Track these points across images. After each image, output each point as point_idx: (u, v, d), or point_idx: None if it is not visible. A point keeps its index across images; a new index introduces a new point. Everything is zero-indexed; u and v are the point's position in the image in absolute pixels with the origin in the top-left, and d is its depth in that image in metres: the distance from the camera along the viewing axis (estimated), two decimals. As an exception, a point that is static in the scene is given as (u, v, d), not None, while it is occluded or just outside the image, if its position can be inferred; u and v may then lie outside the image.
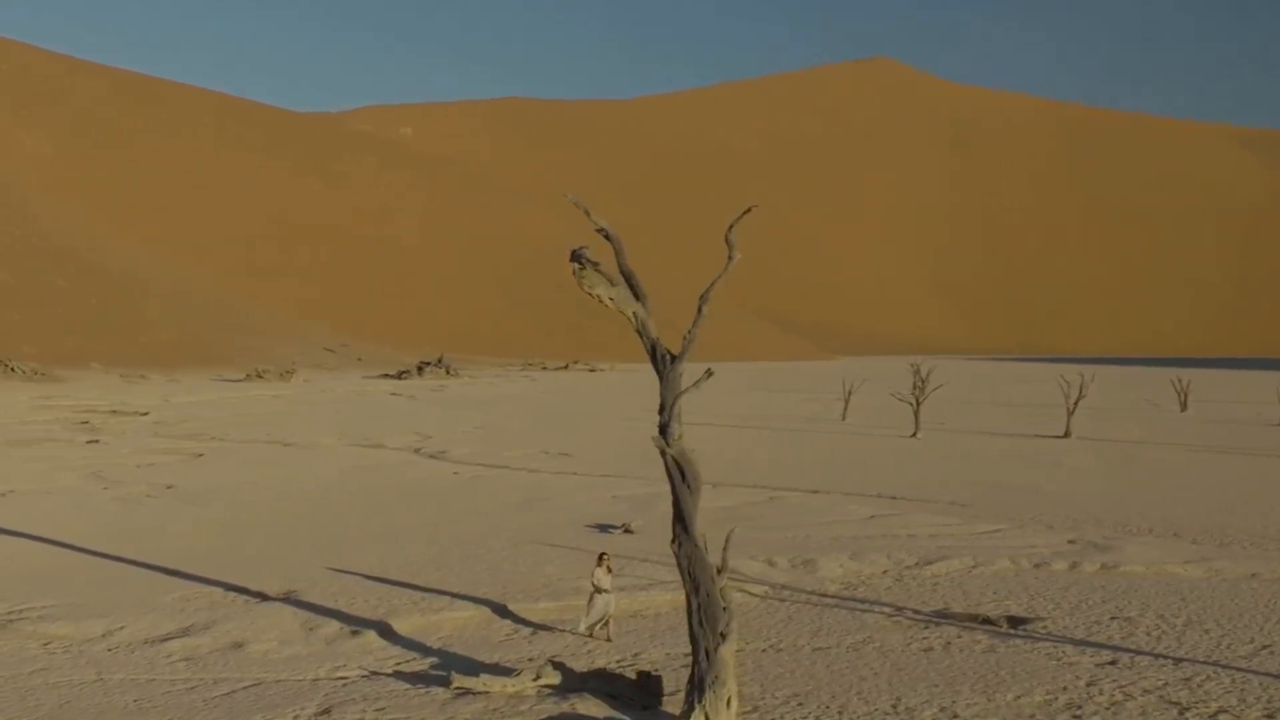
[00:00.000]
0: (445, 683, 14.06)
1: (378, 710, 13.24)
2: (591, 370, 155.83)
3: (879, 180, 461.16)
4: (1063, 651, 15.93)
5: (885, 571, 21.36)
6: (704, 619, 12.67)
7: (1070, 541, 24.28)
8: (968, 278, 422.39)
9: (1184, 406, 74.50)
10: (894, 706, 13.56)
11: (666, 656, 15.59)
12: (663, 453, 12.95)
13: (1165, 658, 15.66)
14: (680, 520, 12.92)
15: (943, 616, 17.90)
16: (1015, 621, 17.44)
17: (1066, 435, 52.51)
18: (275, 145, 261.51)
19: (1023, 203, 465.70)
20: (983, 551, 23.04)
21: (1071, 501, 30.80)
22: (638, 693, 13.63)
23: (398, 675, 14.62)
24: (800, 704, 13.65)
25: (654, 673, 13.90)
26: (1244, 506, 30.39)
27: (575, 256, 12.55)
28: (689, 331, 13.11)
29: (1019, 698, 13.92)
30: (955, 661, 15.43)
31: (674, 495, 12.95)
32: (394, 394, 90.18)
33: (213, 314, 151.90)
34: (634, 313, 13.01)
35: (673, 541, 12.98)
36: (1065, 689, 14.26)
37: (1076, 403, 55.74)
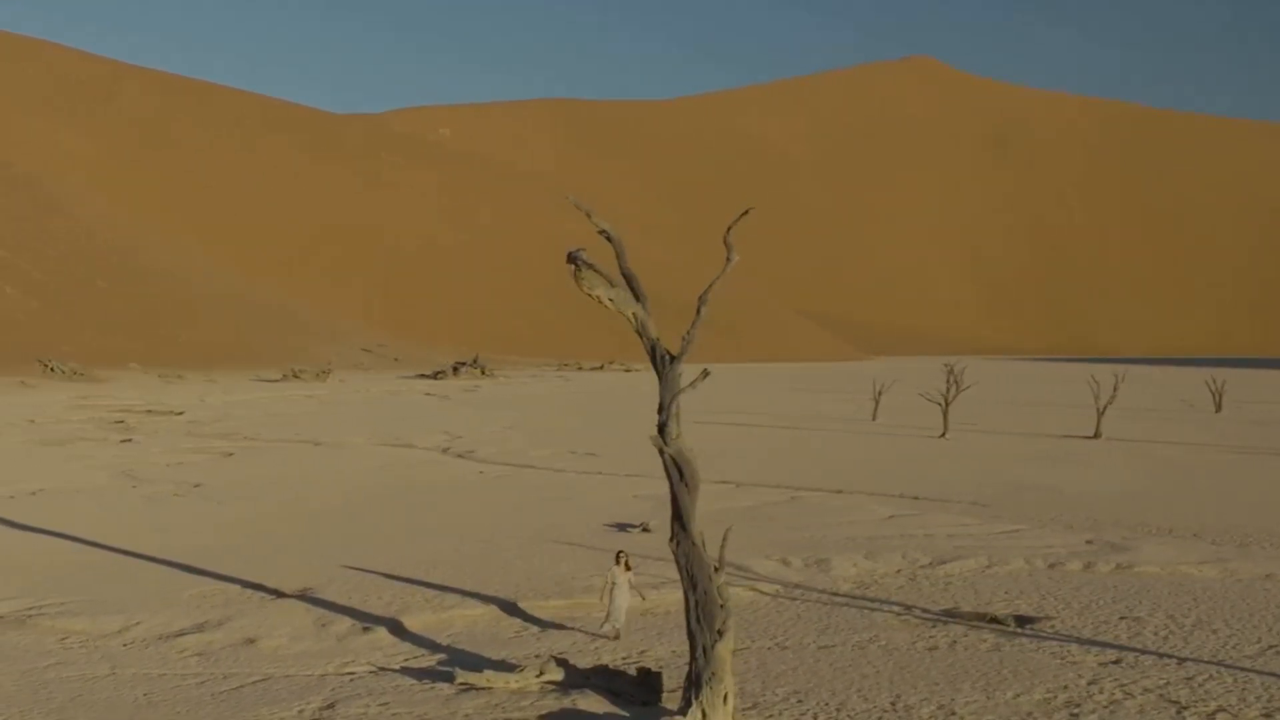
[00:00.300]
0: (450, 678, 14.25)
1: (381, 705, 13.45)
2: (626, 370, 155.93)
3: (921, 180, 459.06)
4: (1068, 651, 15.99)
5: (899, 571, 21.44)
6: (701, 616, 12.82)
7: (1088, 542, 24.29)
8: (1009, 278, 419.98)
9: (1219, 407, 74.04)
10: (893, 704, 13.68)
11: (672, 654, 15.74)
12: (661, 452, 13.09)
13: (1170, 657, 15.71)
14: (678, 519, 13.07)
15: (951, 616, 17.98)
16: (1022, 621, 17.50)
17: (1097, 436, 52.31)
18: (316, 146, 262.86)
19: (1065, 202, 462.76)
20: (998, 551, 23.08)
21: (1094, 502, 30.76)
22: (638, 689, 13.80)
23: (405, 671, 14.83)
24: (800, 701, 13.79)
25: (654, 669, 14.06)
26: (1269, 508, 30.26)
27: (572, 258, 12.70)
28: (687, 332, 13.25)
29: (1018, 696, 14.00)
30: (959, 660, 15.52)
31: (672, 494, 13.11)
32: (428, 394, 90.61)
33: (251, 315, 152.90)
34: (633, 313, 13.15)
35: (671, 540, 13.13)
36: (1066, 687, 14.34)
37: (1107, 404, 55.46)
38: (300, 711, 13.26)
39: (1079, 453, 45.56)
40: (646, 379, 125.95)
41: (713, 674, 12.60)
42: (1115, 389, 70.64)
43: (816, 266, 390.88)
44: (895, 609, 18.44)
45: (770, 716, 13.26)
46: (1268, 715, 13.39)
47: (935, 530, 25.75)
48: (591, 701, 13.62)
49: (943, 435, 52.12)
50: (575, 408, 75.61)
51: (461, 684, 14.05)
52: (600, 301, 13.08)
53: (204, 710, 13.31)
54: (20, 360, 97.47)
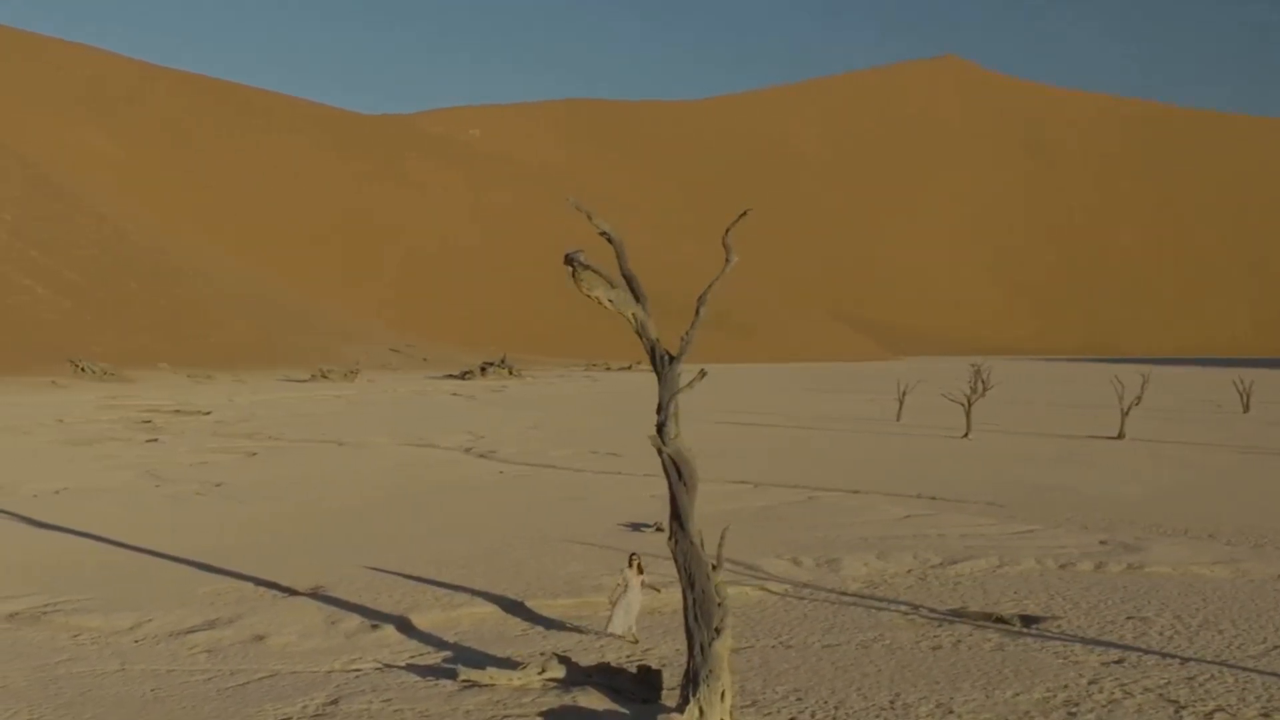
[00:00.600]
0: (454, 675, 14.42)
1: (384, 701, 13.63)
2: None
3: (948, 180, 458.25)
4: (1071, 650, 16.05)
5: (909, 570, 21.51)
6: (699, 615, 12.92)
7: (1102, 542, 24.30)
8: (1038, 278, 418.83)
9: (1246, 408, 73.71)
10: (891, 702, 13.77)
11: (676, 652, 15.84)
12: (660, 451, 13.21)
13: (1173, 657, 15.74)
14: (676, 518, 13.18)
15: (957, 615, 18.05)
16: (1028, 620, 17.56)
17: (1120, 437, 52.17)
18: (346, 147, 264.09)
19: (1094, 202, 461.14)
20: (1010, 551, 23.12)
21: (1111, 503, 30.74)
22: (638, 686, 13.93)
23: (410, 668, 15.00)
24: (799, 699, 13.90)
25: (655, 667, 14.19)
26: (1288, 508, 30.20)
27: (569, 259, 12.83)
28: (686, 333, 13.37)
29: (1017, 695, 14.07)
30: (961, 659, 15.60)
31: (671, 493, 13.22)
32: (454, 394, 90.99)
33: (281, 315, 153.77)
34: (633, 314, 13.27)
35: (669, 539, 13.24)
36: (1066, 686, 14.40)
37: (1131, 404, 55.32)
38: (304, 707, 13.45)
39: (1101, 453, 45.47)
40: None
41: (710, 671, 12.72)
42: (1142, 390, 70.40)
43: (842, 267, 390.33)
44: (902, 608, 18.52)
45: (768, 714, 13.37)
46: (1266, 715, 13.42)
47: (949, 530, 25.80)
48: (592, 698, 13.77)
49: (965, 436, 52.10)
50: (600, 408, 75.81)
51: (464, 681, 14.21)
52: (600, 303, 13.21)
53: (209, 706, 13.51)
54: (51, 360, 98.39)
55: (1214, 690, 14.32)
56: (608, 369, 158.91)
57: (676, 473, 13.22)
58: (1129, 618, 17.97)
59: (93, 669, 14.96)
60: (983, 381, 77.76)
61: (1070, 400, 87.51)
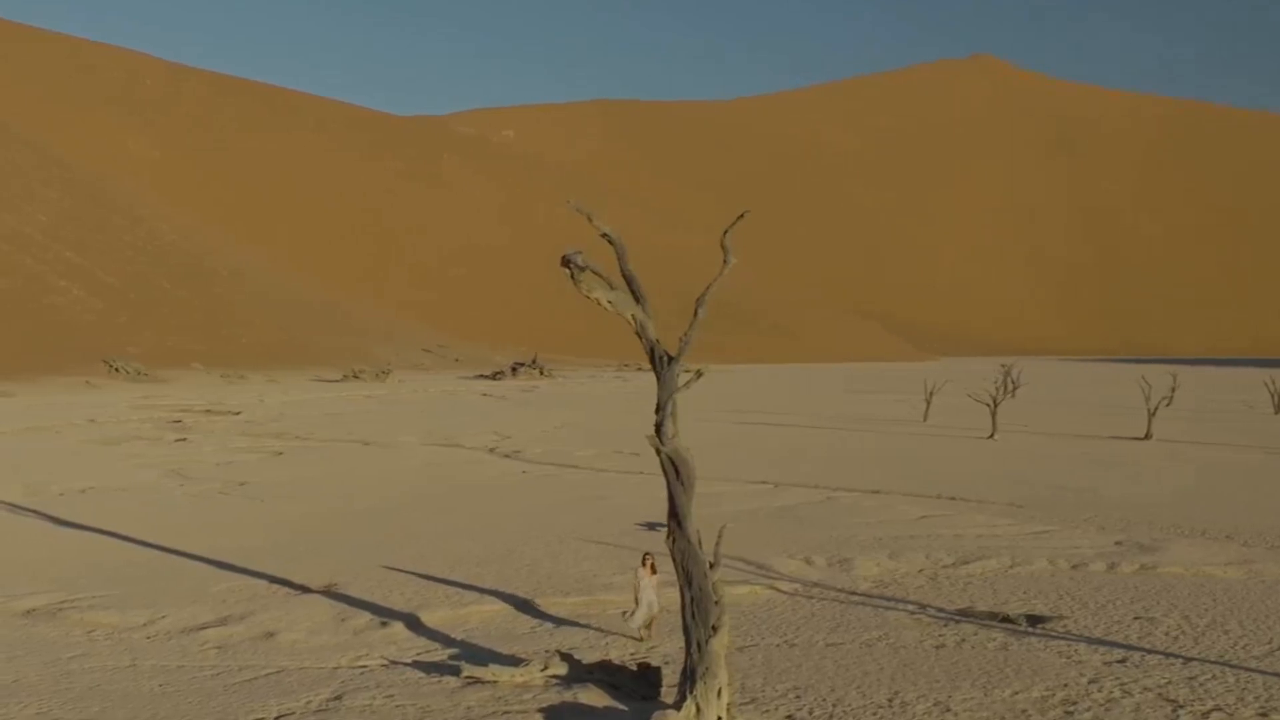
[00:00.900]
0: (458, 672, 14.57)
1: (387, 697, 13.81)
2: (685, 370, 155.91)
3: (980, 180, 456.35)
4: (1075, 650, 16.10)
5: (920, 570, 21.56)
6: (696, 612, 13.05)
7: (1117, 543, 24.28)
8: (1071, 278, 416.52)
9: (1277, 409, 73.23)
10: (890, 700, 13.87)
11: (680, 650, 15.94)
12: (658, 451, 13.34)
13: (1177, 657, 15.78)
14: (674, 516, 13.30)
15: (964, 615, 18.11)
16: (1034, 620, 17.60)
17: (1147, 437, 51.94)
18: (379, 148, 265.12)
19: (1127, 202, 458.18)
20: (1023, 552, 23.14)
21: (1131, 504, 30.67)
22: (638, 684, 14.07)
23: (416, 664, 15.18)
24: (798, 696, 14.01)
25: (654, 664, 14.33)
26: (1309, 510, 30.07)
27: (566, 261, 12.97)
28: (685, 334, 13.50)
29: (1016, 693, 14.14)
30: (964, 658, 15.67)
31: (669, 492, 13.34)
32: (484, 395, 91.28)
33: (314, 315, 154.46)
34: (633, 315, 13.40)
35: (668, 537, 13.37)
36: (1066, 685, 14.46)
37: (1158, 405, 55.06)
38: (307, 703, 13.64)
39: (1126, 455, 45.29)
40: (704, 379, 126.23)
41: (707, 669, 12.85)
42: (1172, 390, 70.11)
43: (876, 267, 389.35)
44: (910, 608, 18.59)
45: (766, 711, 13.49)
46: (1263, 715, 13.46)
47: (965, 531, 25.82)
48: (592, 695, 13.91)
49: (991, 436, 51.98)
50: (628, 408, 75.88)
51: (467, 677, 14.37)
52: (599, 304, 13.35)
53: (215, 701, 13.72)
54: (86, 360, 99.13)
55: (1214, 690, 14.36)
56: (638, 369, 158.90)
57: (674, 472, 13.35)
58: (1136, 618, 17.99)
59: (104, 664, 15.20)
60: (1012, 382, 77.61)
61: (1100, 401, 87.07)
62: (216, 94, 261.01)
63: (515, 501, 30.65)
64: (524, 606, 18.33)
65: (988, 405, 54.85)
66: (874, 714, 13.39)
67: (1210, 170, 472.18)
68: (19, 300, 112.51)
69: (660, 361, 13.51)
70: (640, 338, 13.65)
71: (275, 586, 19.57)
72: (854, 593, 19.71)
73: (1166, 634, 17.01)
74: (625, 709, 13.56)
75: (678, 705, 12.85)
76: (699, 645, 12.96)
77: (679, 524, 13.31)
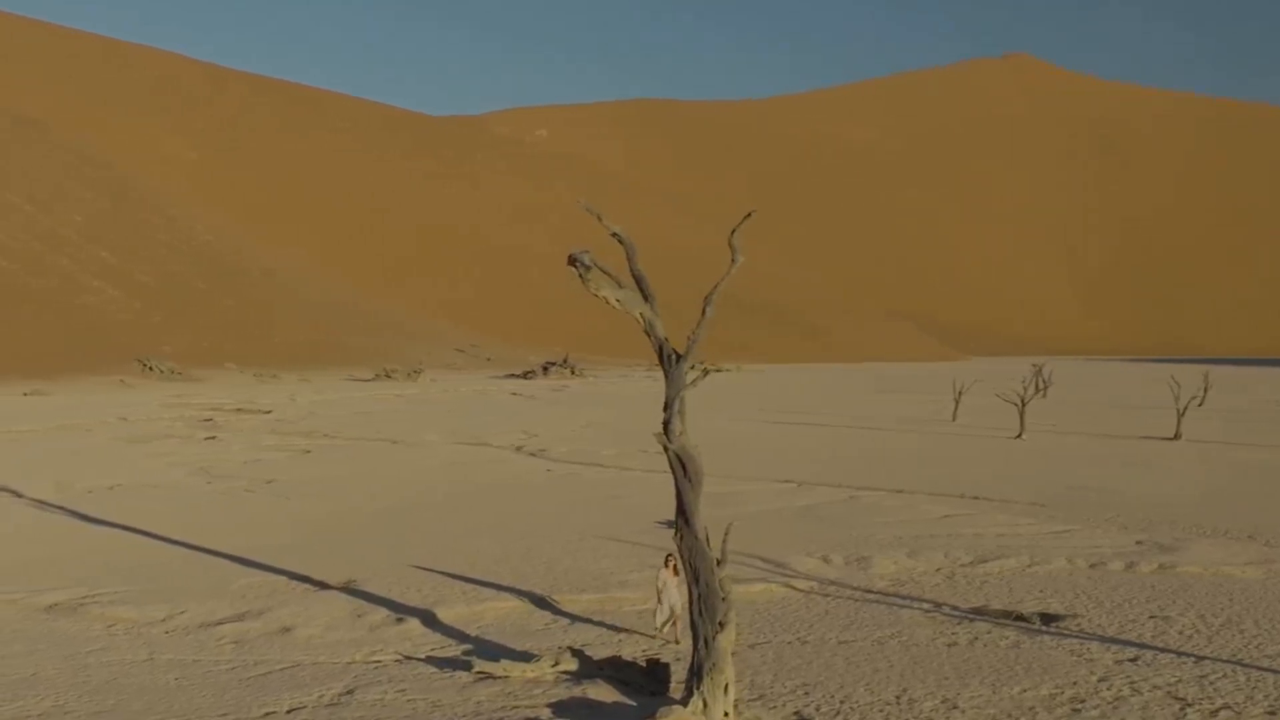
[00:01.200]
0: (470, 667, 14.71)
1: (398, 691, 13.96)
2: (717, 370, 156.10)
3: (1016, 179, 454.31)
4: (1086, 648, 16.10)
5: (938, 569, 21.58)
6: (704, 609, 13.15)
7: (1138, 543, 24.23)
8: (1105, 278, 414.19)
9: (1312, 409, 72.79)
10: (897, 697, 13.92)
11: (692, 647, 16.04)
12: (665, 448, 13.44)
13: (1189, 656, 15.77)
14: (682, 513, 13.40)
15: (978, 613, 18.12)
16: (1048, 619, 17.62)
17: (1176, 438, 51.69)
18: (413, 148, 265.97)
19: (1165, 201, 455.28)
20: (1042, 551, 23.12)
21: (1155, 503, 30.56)
22: (647, 679, 14.17)
23: (429, 660, 15.32)
24: (807, 692, 14.08)
25: (663, 661, 14.43)
26: (1335, 510, 29.89)
27: (573, 260, 13.07)
28: (693, 333, 13.58)
29: (1024, 691, 14.17)
30: (975, 656, 15.70)
31: (676, 489, 13.43)
32: (514, 394, 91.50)
33: (347, 315, 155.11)
34: (640, 313, 13.49)
35: (675, 534, 13.46)
36: (1075, 684, 14.48)
37: (1188, 405, 54.77)
38: (320, 697, 13.80)
39: (1153, 455, 45.10)
40: (736, 379, 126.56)
41: (713, 664, 12.94)
42: (1203, 390, 69.73)
43: (908, 266, 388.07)
44: (925, 606, 18.62)
45: (774, 707, 13.57)
46: (1271, 713, 13.46)
47: (985, 530, 25.81)
48: (602, 691, 14.03)
49: (1018, 436, 51.83)
50: (657, 408, 75.79)
51: (478, 673, 14.51)
52: (608, 302, 13.44)
53: (229, 694, 13.90)
54: (121, 360, 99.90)
55: (1223, 689, 14.36)
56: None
57: (682, 469, 13.44)
58: (1151, 617, 17.98)
59: (121, 658, 15.40)
60: (1044, 381, 77.31)
61: (1132, 401, 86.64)
62: (252, 95, 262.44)
63: (538, 500, 30.79)
64: (540, 603, 18.46)
65: (1016, 405, 54.68)
66: (881, 711, 13.45)
67: (1247, 169, 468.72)
68: (55, 300, 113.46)
69: (669, 360, 13.60)
70: (649, 336, 13.75)
71: (295, 583, 19.76)
72: (870, 591, 19.76)
73: (1180, 633, 17.00)
74: (633, 704, 13.67)
75: (685, 700, 12.96)
76: (706, 641, 13.06)
77: (686, 521, 13.41)
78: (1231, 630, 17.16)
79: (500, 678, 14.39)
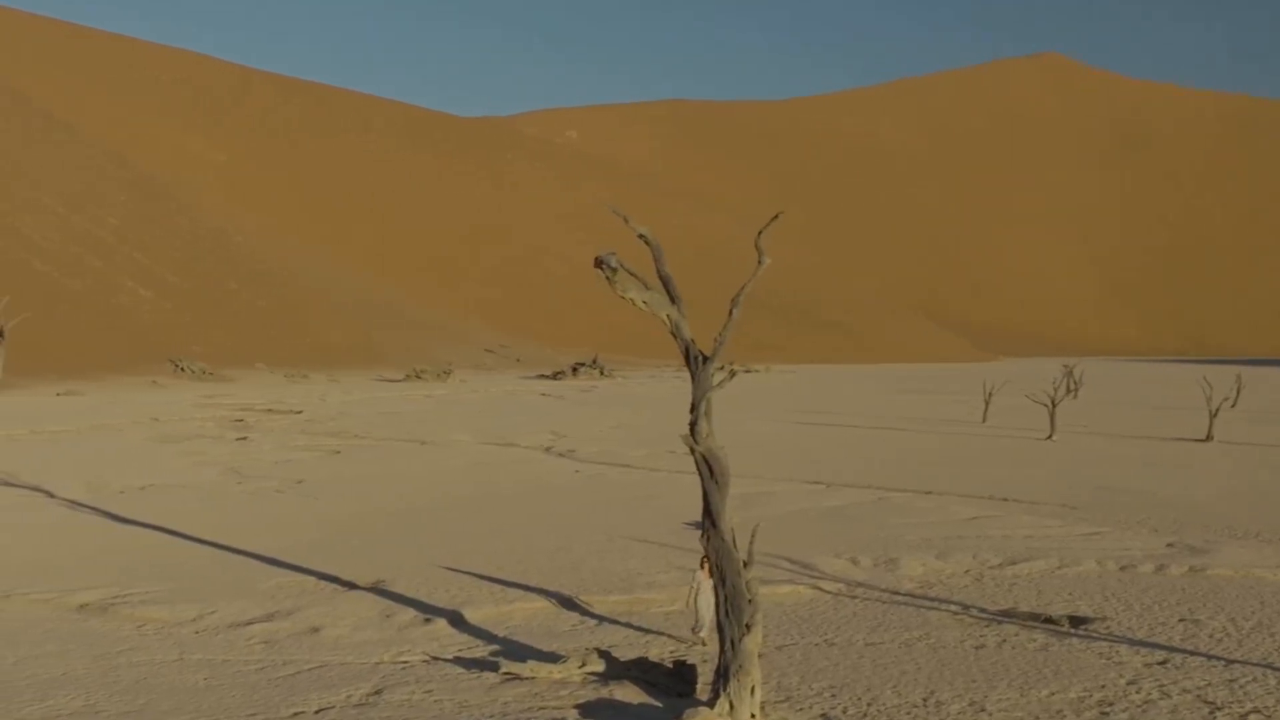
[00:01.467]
0: (497, 668, 14.75)
1: (426, 691, 14.01)
2: (746, 371, 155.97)
3: (1046, 178, 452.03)
4: (1116, 651, 16.04)
5: (966, 571, 21.52)
6: (730, 610, 13.17)
7: (1169, 545, 24.11)
8: (1138, 278, 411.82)
9: (1345, 410, 72.27)
10: (924, 700, 13.89)
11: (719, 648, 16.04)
12: (692, 450, 13.46)
13: (1219, 659, 15.69)
14: (709, 515, 13.42)
15: (1007, 615, 18.07)
16: (1077, 621, 17.55)
17: (1208, 439, 51.42)
18: (442, 149, 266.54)
19: (1195, 200, 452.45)
20: (1072, 553, 23.03)
21: (1186, 505, 30.43)
22: (673, 681, 14.19)
23: (456, 660, 15.36)
24: (833, 695, 14.06)
25: (689, 662, 14.45)
26: (1367, 512, 29.70)
27: (600, 262, 13.09)
28: (719, 334, 13.60)
29: (1052, 694, 14.12)
30: (1003, 658, 15.65)
31: (703, 490, 13.45)
32: (544, 394, 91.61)
33: (377, 315, 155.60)
34: (667, 315, 13.53)
35: (702, 535, 13.48)
36: (1103, 687, 14.42)
37: (1219, 406, 54.46)
38: (348, 697, 13.86)
39: (1185, 456, 44.88)
40: (767, 379, 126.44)
41: (740, 666, 12.95)
42: (1236, 391, 69.28)
43: (938, 267, 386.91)
44: (953, 608, 18.57)
45: (800, 709, 13.56)
46: (1302, 717, 13.38)
47: (1014, 532, 25.73)
48: (628, 692, 14.04)
49: (1049, 437, 51.63)
50: (686, 409, 75.90)
51: (505, 673, 14.54)
52: (634, 304, 13.47)
53: (258, 695, 13.96)
54: (153, 360, 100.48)
55: (1254, 692, 14.29)
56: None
57: (708, 470, 13.47)
58: (1181, 620, 17.89)
59: (152, 658, 15.48)
60: (1074, 382, 76.99)
61: (1163, 402, 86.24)
62: (281, 96, 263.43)
63: (566, 500, 30.84)
64: (567, 604, 18.49)
65: (1046, 406, 54.47)
66: (908, 713, 13.43)
67: (1273, 168, 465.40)
68: (88, 301, 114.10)
69: (695, 361, 13.63)
70: (675, 338, 13.78)
71: (323, 583, 19.84)
72: (898, 593, 19.72)
73: (1211, 636, 16.91)
74: (659, 705, 13.68)
75: (711, 702, 12.97)
76: (732, 643, 13.07)
77: (713, 522, 13.43)
78: (1262, 634, 17.07)
79: (527, 678, 14.42)
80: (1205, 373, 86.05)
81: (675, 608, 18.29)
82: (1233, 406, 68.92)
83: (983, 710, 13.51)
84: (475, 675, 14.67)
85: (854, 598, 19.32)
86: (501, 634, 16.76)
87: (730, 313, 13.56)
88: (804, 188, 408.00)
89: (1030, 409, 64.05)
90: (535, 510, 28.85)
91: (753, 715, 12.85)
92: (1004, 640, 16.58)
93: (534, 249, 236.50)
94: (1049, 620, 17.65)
